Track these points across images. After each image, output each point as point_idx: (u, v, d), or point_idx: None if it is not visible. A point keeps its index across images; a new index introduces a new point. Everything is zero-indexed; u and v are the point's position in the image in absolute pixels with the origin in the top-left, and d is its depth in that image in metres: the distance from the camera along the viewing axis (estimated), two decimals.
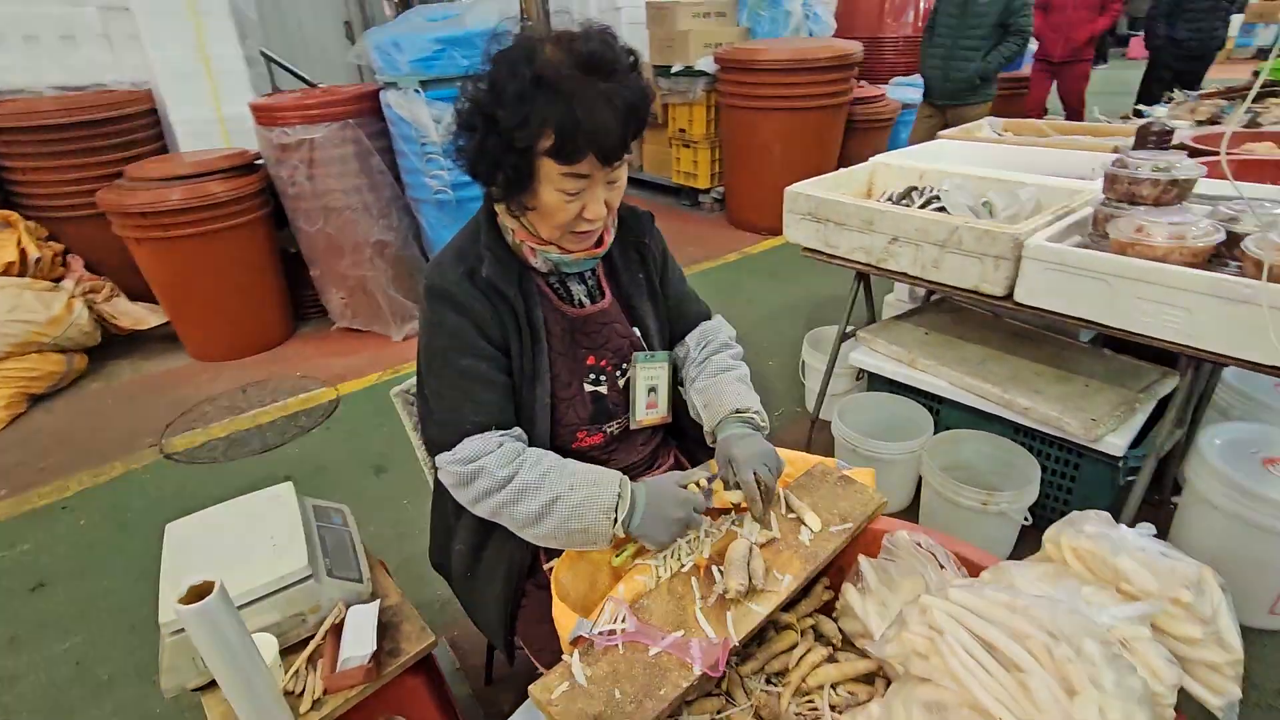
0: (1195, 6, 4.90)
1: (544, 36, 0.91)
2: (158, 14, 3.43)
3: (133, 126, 3.45)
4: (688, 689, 0.82)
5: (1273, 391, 1.93)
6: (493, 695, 1.63)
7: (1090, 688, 0.60)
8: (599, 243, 1.07)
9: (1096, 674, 0.61)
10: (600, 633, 0.89)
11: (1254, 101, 3.61)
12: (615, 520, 0.95)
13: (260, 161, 3.36)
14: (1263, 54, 6.63)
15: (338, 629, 1.14)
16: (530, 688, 0.83)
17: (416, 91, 3.01)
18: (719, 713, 0.92)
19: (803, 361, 2.63)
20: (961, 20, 3.88)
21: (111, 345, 3.45)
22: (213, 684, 1.10)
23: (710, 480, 1.05)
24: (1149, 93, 5.20)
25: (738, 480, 1.01)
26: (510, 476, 0.96)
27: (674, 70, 4.89)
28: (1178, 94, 4.09)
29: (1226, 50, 10.28)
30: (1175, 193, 1.61)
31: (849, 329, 2.27)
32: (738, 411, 1.09)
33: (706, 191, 5.27)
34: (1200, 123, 3.25)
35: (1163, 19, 5.05)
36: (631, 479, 1.17)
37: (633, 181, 6.13)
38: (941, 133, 2.88)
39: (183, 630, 1.03)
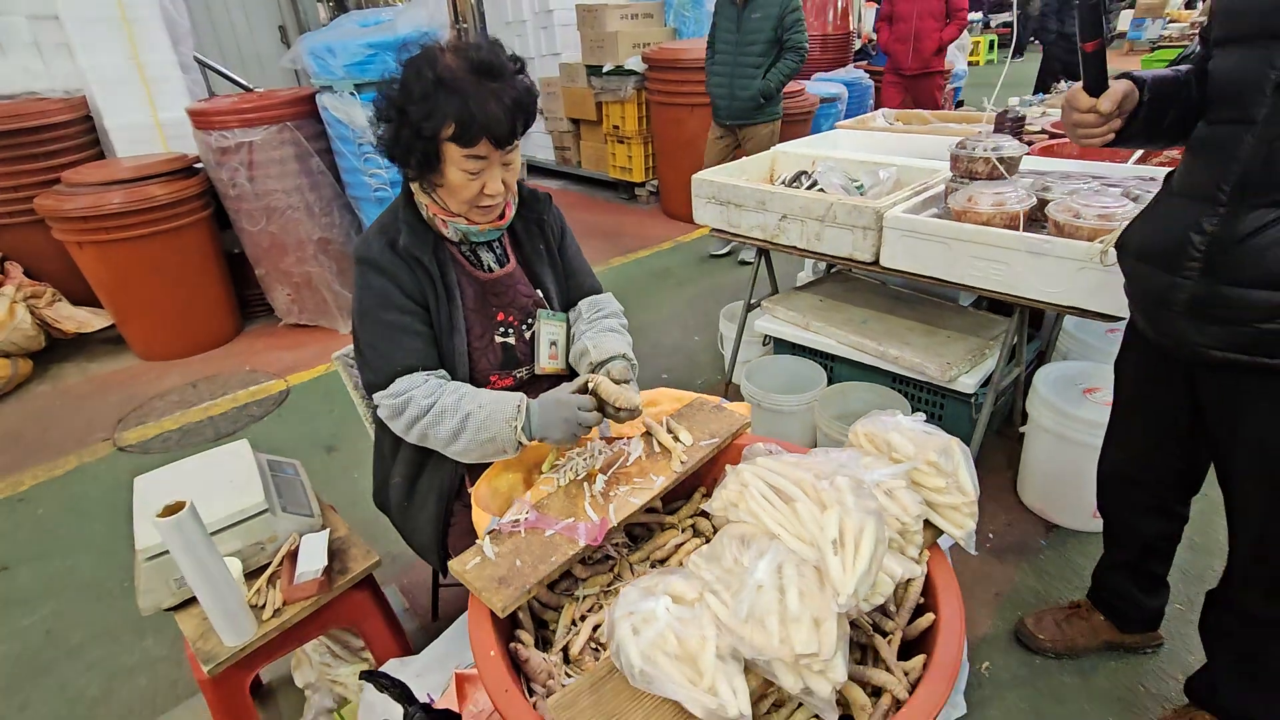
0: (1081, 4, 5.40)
1: (444, 46, 1.14)
2: (88, 22, 3.49)
3: (67, 134, 3.50)
4: (573, 556, 1.05)
5: (1104, 336, 2.28)
6: (439, 628, 1.83)
7: (835, 506, 0.86)
8: (501, 216, 1.29)
9: (843, 497, 0.87)
10: (505, 524, 1.11)
11: None
12: (516, 427, 1.16)
13: (200, 165, 3.46)
14: (1154, 46, 7.23)
15: (293, 555, 1.34)
16: (450, 563, 1.05)
17: (352, 94, 3.17)
18: (608, 586, 1.16)
19: (720, 333, 2.90)
20: (739, 38, 3.70)
21: (56, 349, 3.50)
22: (185, 604, 1.28)
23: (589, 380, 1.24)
24: (1043, 84, 5.65)
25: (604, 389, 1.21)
26: (432, 404, 1.17)
27: (605, 70, 5.12)
28: (1061, 84, 4.53)
29: (1129, 44, 11.07)
30: (1004, 168, 1.91)
31: (754, 300, 2.54)
32: (623, 355, 1.33)
33: (641, 185, 5.52)
34: None
35: (1054, 15, 5.52)
36: None
37: (573, 178, 6.35)
38: (839, 123, 3.18)
39: (158, 555, 1.22)
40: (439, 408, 1.17)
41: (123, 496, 2.49)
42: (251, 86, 4.26)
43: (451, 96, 1.09)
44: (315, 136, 3.39)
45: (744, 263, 4.22)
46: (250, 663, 1.24)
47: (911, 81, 5.11)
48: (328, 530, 1.37)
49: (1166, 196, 1.19)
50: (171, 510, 1.07)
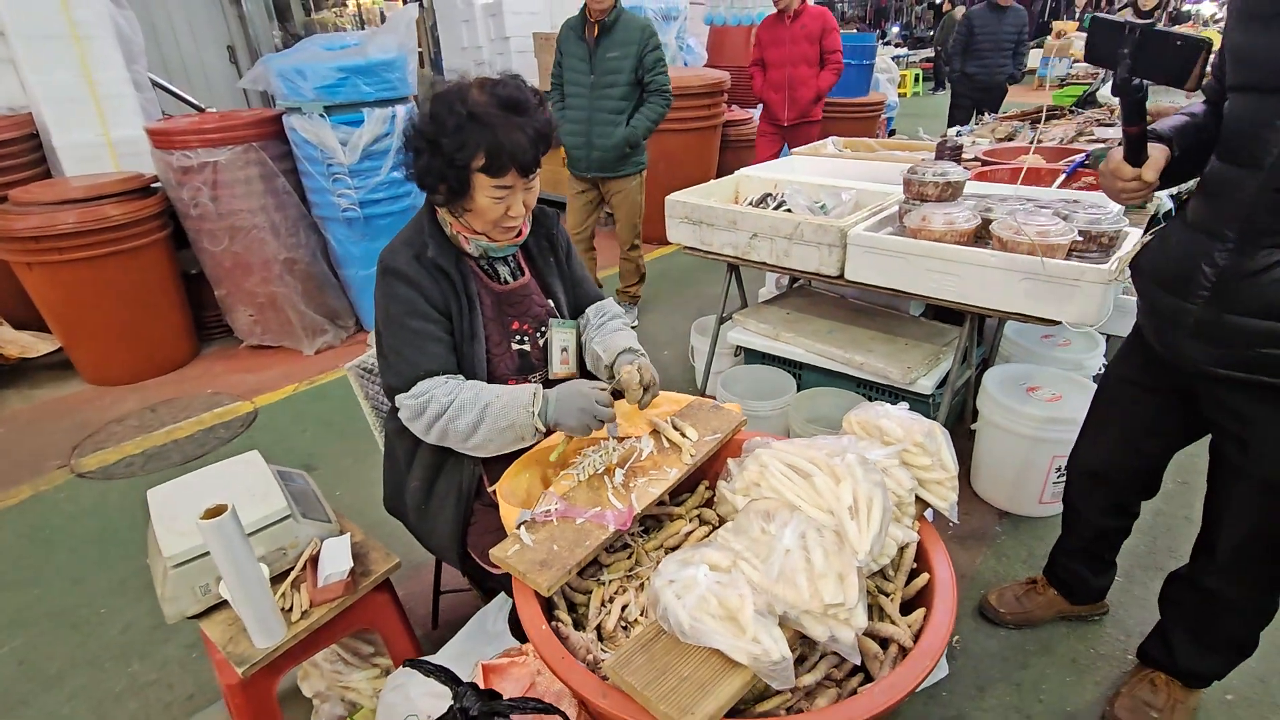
0: (980, 47, 5.71)
1: (471, 83, 1.24)
2: (37, 38, 3.39)
3: (11, 152, 3.38)
4: (605, 540, 1.15)
5: (1040, 341, 2.53)
6: (440, 636, 1.86)
7: (848, 478, 0.99)
8: (519, 234, 1.39)
9: (853, 470, 1.00)
10: (538, 514, 1.20)
11: (1038, 123, 4.47)
12: (534, 413, 1.25)
13: (158, 185, 3.40)
14: (1062, 83, 7.92)
15: (314, 560, 1.37)
16: (491, 551, 1.13)
17: (322, 116, 3.19)
18: (630, 571, 1.25)
19: (691, 346, 3.04)
20: (595, 79, 3.25)
21: None
22: (208, 611, 1.30)
23: (610, 383, 1.37)
24: (953, 117, 6.07)
25: (625, 373, 1.33)
26: (452, 400, 1.25)
27: None
28: (986, 116, 4.93)
29: (1039, 80, 12.04)
30: (951, 191, 2.13)
31: (725, 314, 2.70)
32: (629, 349, 1.45)
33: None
34: (999, 139, 4.01)
35: (957, 56, 5.88)
36: None
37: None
38: (793, 150, 3.41)
39: (186, 563, 1.24)
40: (459, 403, 1.25)
41: (87, 523, 2.41)
42: (204, 107, 4.21)
43: (483, 130, 1.19)
44: (281, 157, 3.38)
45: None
46: (279, 665, 1.27)
47: (789, 132, 4.60)
48: (348, 534, 1.41)
49: (1182, 226, 1.27)
50: (214, 513, 1.11)
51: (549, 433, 1.31)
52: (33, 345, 3.37)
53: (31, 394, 3.33)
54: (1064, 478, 2.14)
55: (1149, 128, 1.22)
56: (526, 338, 1.44)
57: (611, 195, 3.53)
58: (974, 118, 4.80)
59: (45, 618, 2.01)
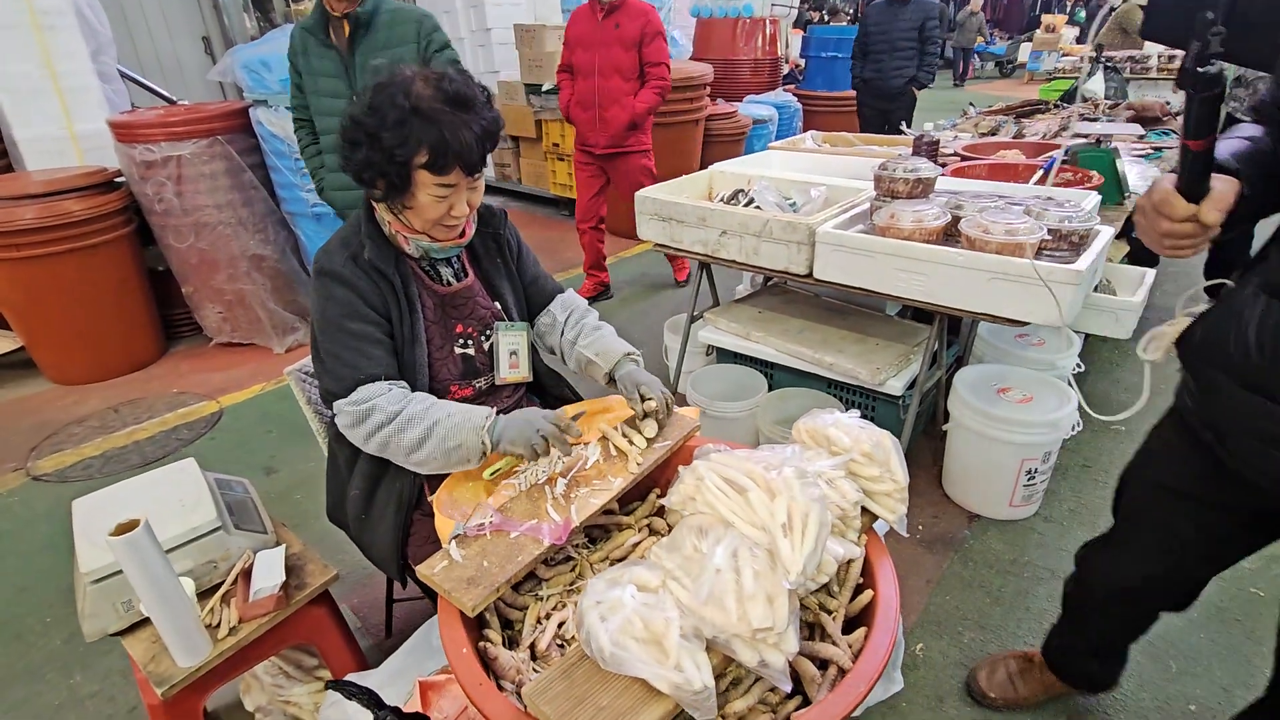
0: (875, 50, 4.98)
1: (414, 75, 1.18)
2: None
3: None
4: (539, 556, 1.10)
5: (1013, 341, 2.49)
6: (393, 645, 1.81)
7: (783, 493, 0.94)
8: (462, 234, 1.33)
9: (790, 485, 0.95)
10: (470, 528, 1.15)
11: (1023, 117, 4.42)
12: (484, 437, 1.19)
13: (122, 179, 3.32)
14: (1050, 77, 7.88)
15: (247, 573, 1.32)
16: (417, 567, 1.07)
17: (287, 109, 3.11)
18: (571, 586, 1.20)
19: (664, 345, 2.99)
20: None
21: None
22: (132, 628, 1.25)
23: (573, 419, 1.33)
24: (860, 128, 5.28)
25: (649, 397, 1.33)
26: (399, 411, 1.19)
27: (545, 88, 5.19)
28: (969, 109, 4.88)
29: (1029, 74, 12.01)
30: (921, 188, 2.09)
31: (697, 313, 2.65)
32: (628, 354, 1.41)
33: None
34: (982, 134, 3.96)
35: (857, 60, 5.19)
36: None
37: (513, 194, 6.37)
38: (771, 144, 3.36)
39: (105, 578, 1.19)
40: (405, 415, 1.19)
41: (39, 529, 2.34)
42: (175, 99, 4.12)
43: (427, 125, 1.13)
44: (248, 151, 3.31)
45: None
46: (205, 684, 1.22)
47: (607, 164, 3.63)
48: (283, 546, 1.36)
49: (1264, 297, 0.94)
50: (125, 529, 1.05)
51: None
52: None
53: None
54: (1034, 482, 2.11)
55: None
56: (470, 341, 1.38)
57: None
58: (884, 132, 4.55)
59: None
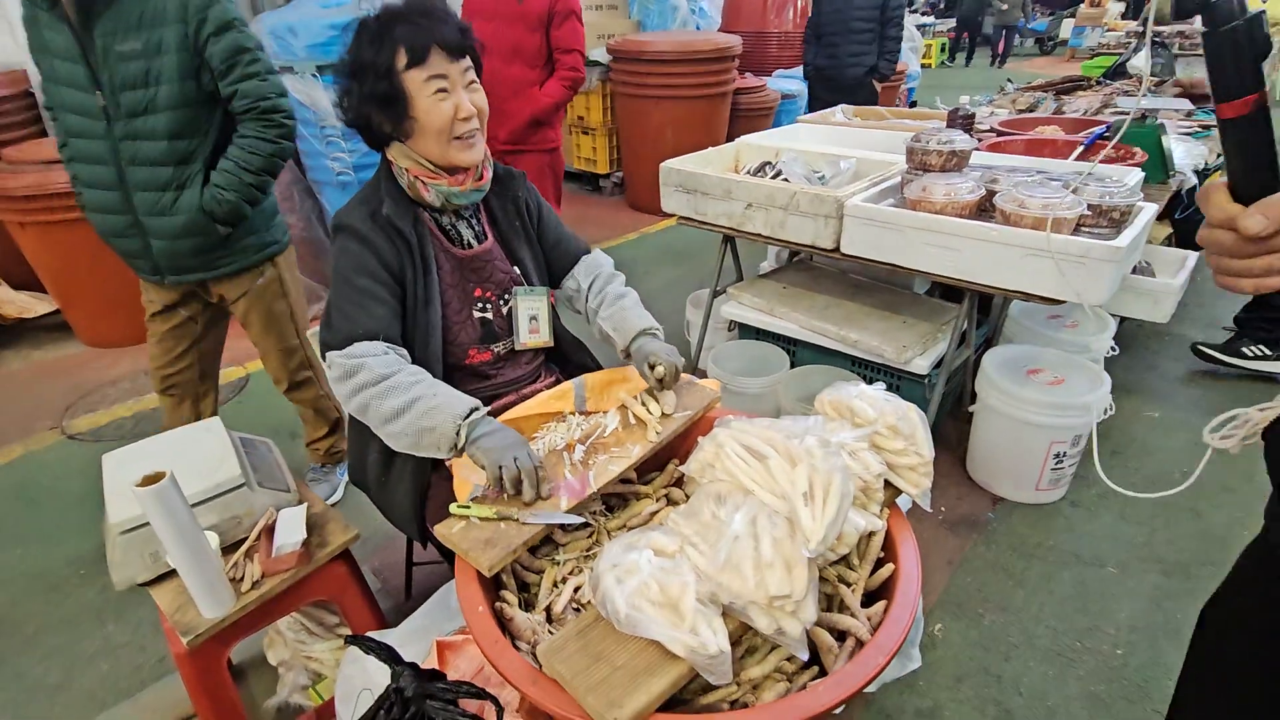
0: (829, 34, 4.35)
1: (386, 5, 1.21)
2: None
3: (6, 109, 3.35)
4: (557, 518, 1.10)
5: (1045, 322, 2.42)
6: (413, 606, 1.84)
7: (805, 462, 0.92)
8: (480, 176, 1.31)
9: (812, 454, 0.93)
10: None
11: (1063, 94, 4.27)
12: (460, 428, 1.11)
13: None
14: (1093, 54, 7.59)
15: (270, 530, 1.34)
16: (435, 528, 1.08)
17: (314, 76, 3.11)
18: (588, 551, 1.20)
19: (687, 320, 2.97)
20: (111, 102, 1.95)
21: None
22: (160, 579, 1.28)
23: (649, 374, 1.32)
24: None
25: (656, 364, 1.30)
26: (386, 375, 1.16)
27: None
28: (1006, 85, 4.72)
29: (1070, 50, 11.57)
30: (955, 161, 2.02)
31: (720, 288, 2.61)
32: (645, 330, 1.38)
33: (606, 176, 5.55)
34: (1020, 111, 3.83)
35: (810, 45, 4.55)
36: (516, 390, 1.44)
37: None
38: (800, 117, 3.28)
39: (133, 529, 1.21)
40: (392, 382, 1.15)
41: (73, 485, 2.41)
42: None
43: (398, 27, 1.16)
44: None
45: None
46: (228, 636, 1.25)
47: (514, 160, 2.84)
48: (305, 504, 1.38)
49: None
50: (151, 480, 1.07)
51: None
52: (30, 306, 3.37)
53: (30, 354, 3.34)
54: (1062, 466, 2.07)
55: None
56: (489, 305, 1.37)
57: (232, 303, 1.95)
58: None
59: (24, 578, 2.02)
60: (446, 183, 1.27)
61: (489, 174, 1.35)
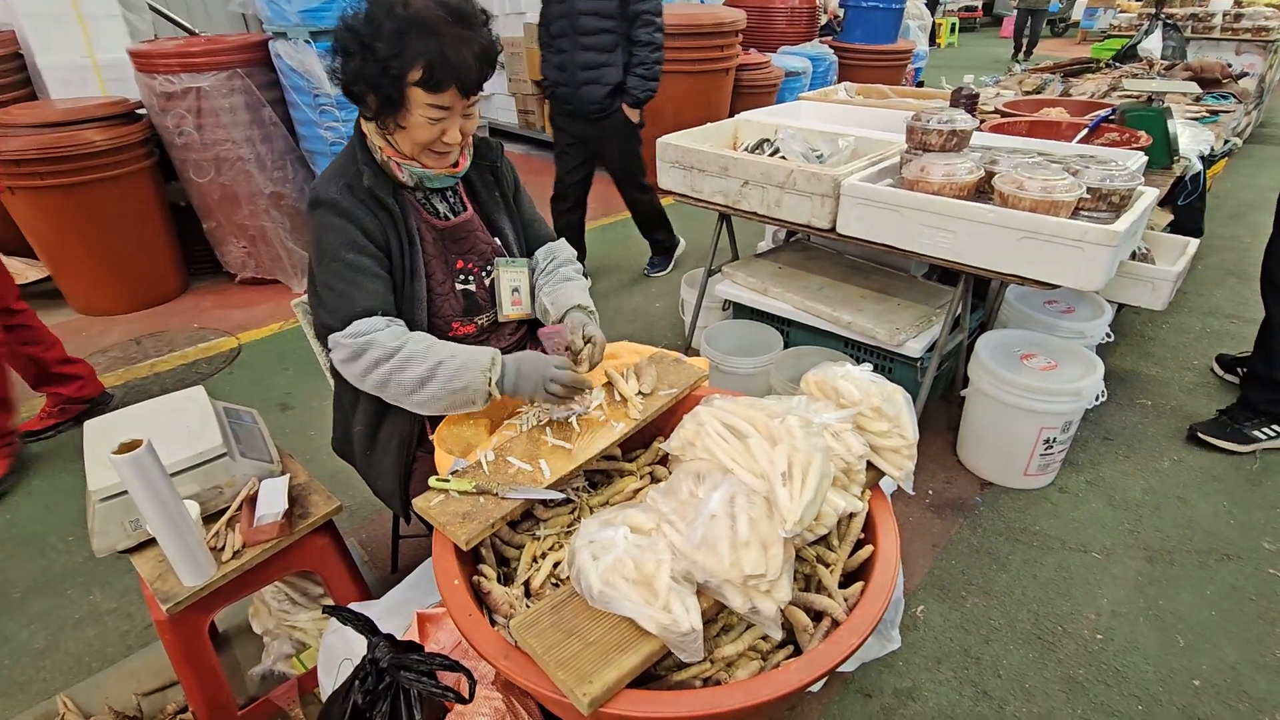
0: (557, 37, 2.99)
1: None
2: None
3: None
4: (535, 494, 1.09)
5: (1041, 307, 2.40)
6: (399, 579, 1.85)
7: (785, 441, 0.91)
8: (455, 164, 1.28)
9: (792, 433, 0.92)
10: (471, 464, 1.14)
11: (1072, 75, 4.20)
12: (490, 379, 1.17)
13: (143, 110, 3.30)
14: (1105, 35, 7.46)
15: (252, 500, 1.33)
16: (414, 500, 1.07)
17: (307, 42, 3.05)
18: (568, 527, 1.20)
19: (681, 299, 2.94)
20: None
21: None
22: (141, 546, 1.27)
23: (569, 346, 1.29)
24: (562, 174, 3.35)
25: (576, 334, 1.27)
26: (399, 348, 1.16)
27: None
28: (1013, 66, 4.64)
29: (1082, 32, 11.35)
30: (956, 141, 1.98)
31: (715, 266, 2.59)
32: (579, 305, 1.36)
33: None
34: (1027, 92, 3.77)
35: (543, 49, 3.11)
36: None
37: (535, 141, 6.26)
38: (802, 95, 3.22)
39: (113, 497, 1.21)
40: (407, 353, 1.16)
41: (64, 451, 2.41)
42: (195, 30, 4.07)
43: (425, 38, 1.08)
44: (267, 86, 3.26)
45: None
46: (209, 604, 1.25)
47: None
48: (288, 475, 1.37)
49: None
50: (128, 447, 1.06)
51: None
52: (22, 272, 3.35)
53: None
54: (1051, 451, 2.06)
55: None
56: (471, 277, 1.35)
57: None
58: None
59: (13, 543, 2.02)
60: (419, 166, 1.24)
61: (466, 161, 1.31)
